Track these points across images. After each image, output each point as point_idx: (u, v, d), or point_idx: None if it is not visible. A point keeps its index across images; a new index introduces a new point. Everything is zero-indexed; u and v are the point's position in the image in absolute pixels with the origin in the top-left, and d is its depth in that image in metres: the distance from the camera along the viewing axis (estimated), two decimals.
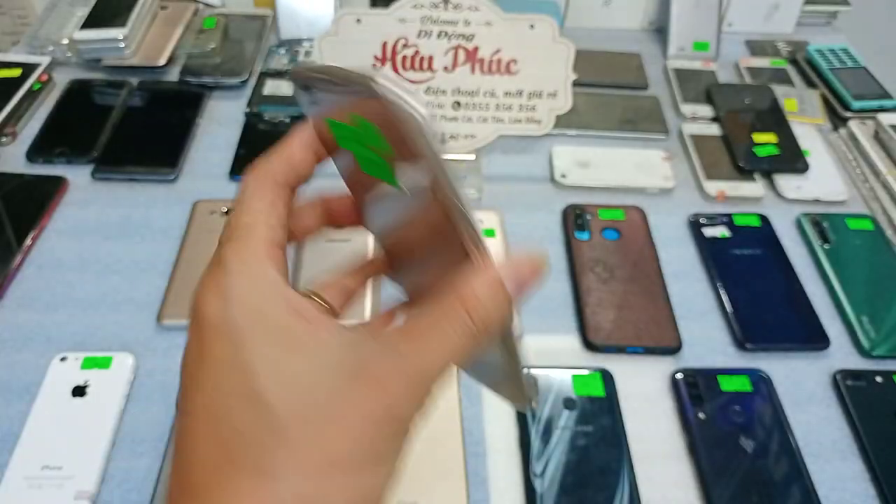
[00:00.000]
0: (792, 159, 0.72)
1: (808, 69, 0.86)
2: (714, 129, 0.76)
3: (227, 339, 0.21)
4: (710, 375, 0.53)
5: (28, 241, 0.60)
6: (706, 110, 0.79)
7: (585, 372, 0.53)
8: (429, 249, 0.25)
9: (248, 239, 0.23)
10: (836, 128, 0.79)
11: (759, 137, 0.74)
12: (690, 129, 0.76)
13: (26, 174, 0.66)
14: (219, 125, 0.74)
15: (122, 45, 0.77)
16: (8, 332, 0.54)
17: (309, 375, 0.21)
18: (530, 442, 0.48)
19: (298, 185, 0.26)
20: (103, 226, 0.63)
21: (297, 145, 0.25)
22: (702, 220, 0.66)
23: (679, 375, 0.53)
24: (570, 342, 0.56)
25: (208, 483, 0.20)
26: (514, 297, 0.23)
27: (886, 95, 0.80)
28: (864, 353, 0.56)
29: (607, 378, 0.53)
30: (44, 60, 0.77)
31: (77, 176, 0.67)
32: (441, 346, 0.22)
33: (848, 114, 0.79)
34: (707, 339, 0.57)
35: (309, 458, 0.20)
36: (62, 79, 0.78)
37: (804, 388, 0.54)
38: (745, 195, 0.69)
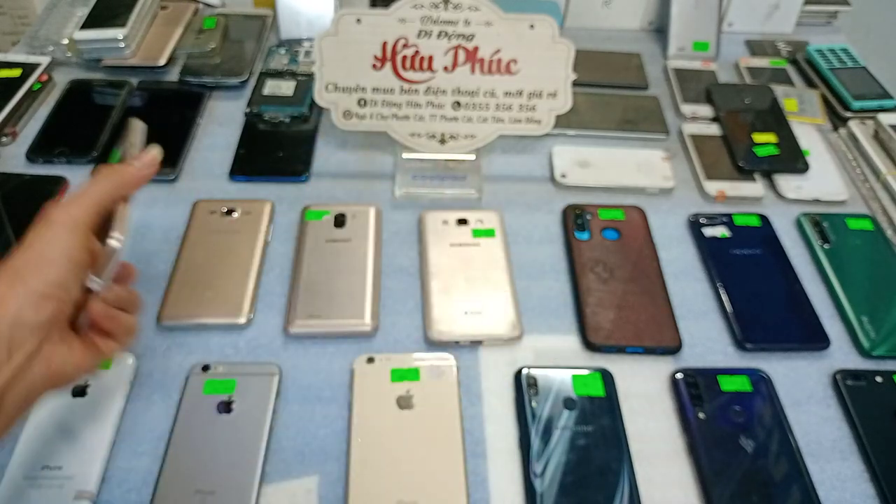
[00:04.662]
0: (792, 159, 0.72)
1: (808, 69, 0.86)
2: (714, 129, 0.76)
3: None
4: (710, 375, 0.53)
5: None
6: (706, 110, 0.79)
7: (585, 372, 0.53)
8: None
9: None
10: (836, 128, 0.79)
11: (758, 137, 0.74)
12: (690, 129, 0.76)
13: (26, 174, 0.66)
14: (219, 125, 0.74)
15: (122, 45, 0.77)
16: None
17: None
18: (530, 442, 0.48)
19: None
20: None
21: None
22: (702, 220, 0.66)
23: (679, 375, 0.53)
24: (570, 342, 0.56)
25: None
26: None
27: (886, 95, 0.80)
28: (864, 353, 0.56)
29: (607, 378, 0.53)
30: (44, 60, 0.77)
31: (77, 176, 0.67)
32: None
33: (848, 114, 0.79)
34: (707, 339, 0.57)
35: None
36: (62, 79, 0.78)
37: (804, 388, 0.54)
38: (745, 195, 0.69)
